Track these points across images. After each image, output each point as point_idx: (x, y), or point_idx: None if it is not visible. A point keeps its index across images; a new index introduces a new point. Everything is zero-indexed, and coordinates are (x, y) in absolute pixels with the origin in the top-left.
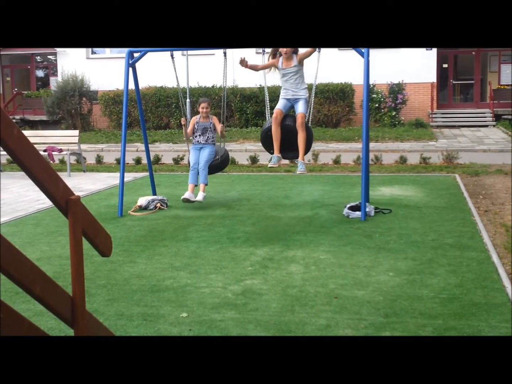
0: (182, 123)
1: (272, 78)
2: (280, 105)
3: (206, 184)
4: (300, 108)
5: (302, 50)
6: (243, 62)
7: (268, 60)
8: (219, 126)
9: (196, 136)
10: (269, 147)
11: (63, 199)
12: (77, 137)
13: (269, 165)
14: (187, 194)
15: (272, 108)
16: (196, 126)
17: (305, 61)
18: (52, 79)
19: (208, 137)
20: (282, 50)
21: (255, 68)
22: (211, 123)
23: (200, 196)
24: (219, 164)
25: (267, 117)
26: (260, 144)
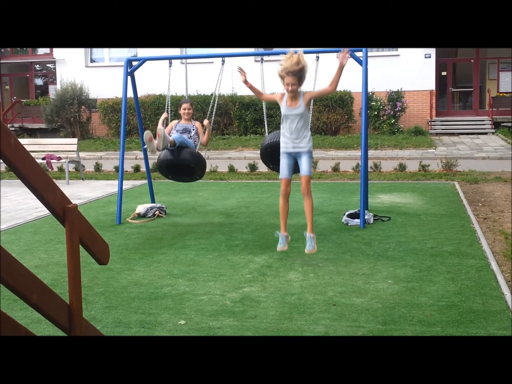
0: (163, 116)
1: (271, 87)
2: (284, 169)
3: (175, 143)
4: (304, 167)
5: (307, 83)
6: (242, 71)
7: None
8: (201, 131)
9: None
10: (268, 163)
11: (60, 208)
12: (76, 145)
13: (278, 249)
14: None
15: (270, 116)
16: (175, 127)
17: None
18: (51, 88)
19: (190, 136)
20: (287, 86)
21: (259, 93)
22: (193, 125)
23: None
24: (196, 155)
25: (265, 125)
26: (259, 151)
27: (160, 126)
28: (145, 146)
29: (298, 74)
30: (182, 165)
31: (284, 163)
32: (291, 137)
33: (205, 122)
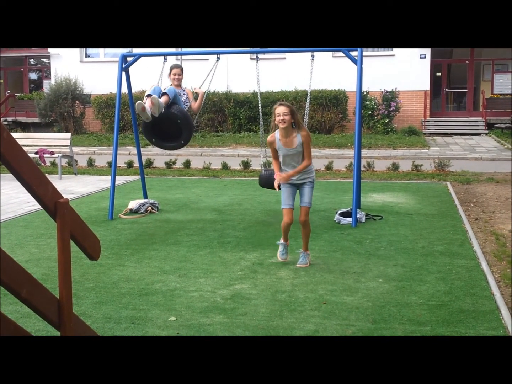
0: (153, 85)
1: (265, 84)
2: (287, 199)
3: (169, 100)
4: (305, 197)
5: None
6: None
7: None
8: (192, 97)
9: None
10: (267, 188)
11: (51, 202)
12: (69, 140)
13: (279, 259)
14: (146, 104)
15: (265, 114)
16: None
17: (299, 67)
18: (45, 82)
19: (181, 101)
20: (278, 117)
21: (278, 168)
22: (184, 90)
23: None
24: (184, 113)
25: (260, 123)
26: (253, 149)
27: (154, 96)
28: (137, 111)
29: (290, 107)
30: (169, 123)
31: (287, 192)
32: (293, 168)
33: (198, 90)
